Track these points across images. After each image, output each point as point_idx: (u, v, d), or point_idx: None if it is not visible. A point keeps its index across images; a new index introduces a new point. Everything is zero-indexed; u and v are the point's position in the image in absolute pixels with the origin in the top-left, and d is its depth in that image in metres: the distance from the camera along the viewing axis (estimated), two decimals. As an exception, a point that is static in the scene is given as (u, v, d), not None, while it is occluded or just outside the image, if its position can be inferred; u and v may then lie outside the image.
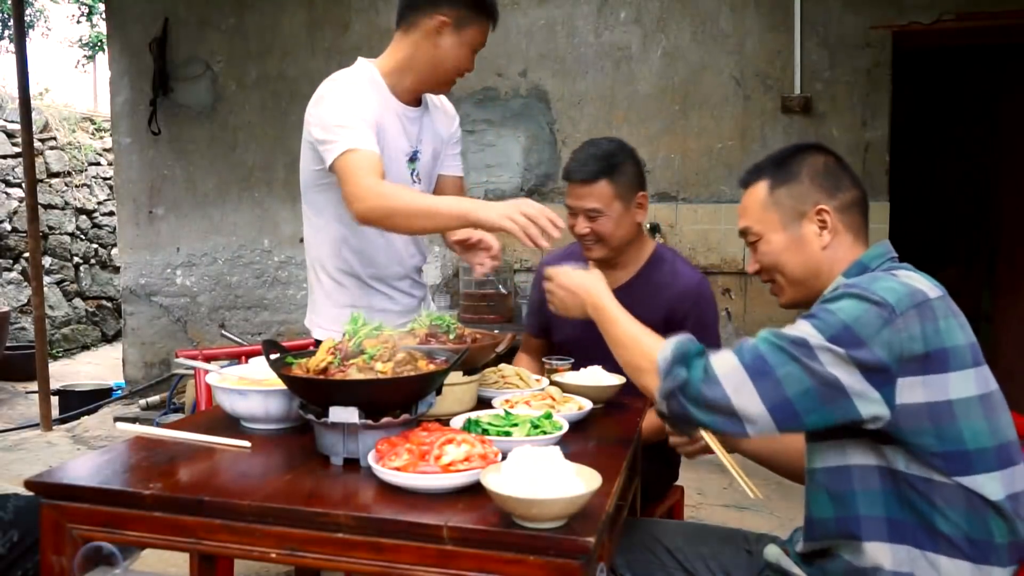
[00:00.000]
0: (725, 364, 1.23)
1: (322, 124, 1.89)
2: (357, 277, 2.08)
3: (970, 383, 1.22)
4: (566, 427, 1.48)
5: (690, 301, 2.08)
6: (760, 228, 1.43)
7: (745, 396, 1.20)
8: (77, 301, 8.03)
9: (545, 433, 1.43)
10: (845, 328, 1.19)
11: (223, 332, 4.77)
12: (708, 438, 1.58)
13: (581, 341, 2.07)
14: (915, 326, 1.19)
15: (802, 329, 1.22)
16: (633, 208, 2.08)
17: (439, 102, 2.18)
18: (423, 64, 1.96)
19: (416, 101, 2.06)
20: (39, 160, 7.48)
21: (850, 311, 1.20)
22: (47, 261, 7.57)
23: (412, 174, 2.07)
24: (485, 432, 1.41)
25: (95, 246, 8.35)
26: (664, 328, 2.09)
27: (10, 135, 7.38)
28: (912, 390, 1.19)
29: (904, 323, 1.19)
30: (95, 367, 7.15)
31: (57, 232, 7.80)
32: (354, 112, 1.87)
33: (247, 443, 1.46)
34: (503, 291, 3.57)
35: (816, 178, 1.40)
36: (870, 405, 1.19)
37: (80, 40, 11.26)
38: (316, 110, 1.93)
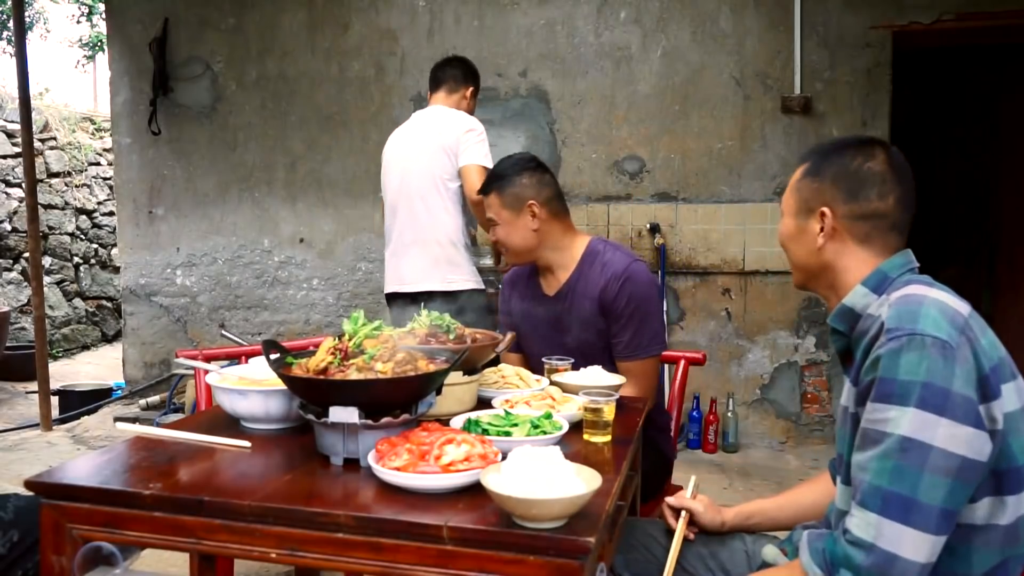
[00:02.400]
0: (864, 523, 1.10)
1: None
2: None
3: (1013, 395, 1.17)
4: (566, 427, 1.48)
5: (618, 283, 2.08)
6: (784, 207, 1.44)
7: (910, 543, 1.07)
8: (77, 301, 8.03)
9: (545, 433, 1.43)
10: (924, 387, 1.10)
11: (223, 332, 4.76)
12: (680, 525, 1.55)
13: (548, 350, 2.13)
14: (968, 352, 1.13)
15: (888, 420, 1.12)
16: (525, 216, 2.13)
17: None
18: None
19: None
20: (39, 160, 7.48)
21: (914, 367, 1.11)
22: (47, 261, 7.56)
23: None
24: (485, 432, 1.41)
25: (95, 246, 8.34)
26: (600, 315, 2.11)
27: (10, 135, 7.38)
28: (994, 413, 1.14)
29: (962, 354, 1.12)
30: (95, 367, 7.14)
31: (57, 232, 7.80)
32: None
33: (247, 443, 1.46)
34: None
35: (838, 179, 1.34)
36: (987, 446, 1.12)
37: (80, 40, 11.25)
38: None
